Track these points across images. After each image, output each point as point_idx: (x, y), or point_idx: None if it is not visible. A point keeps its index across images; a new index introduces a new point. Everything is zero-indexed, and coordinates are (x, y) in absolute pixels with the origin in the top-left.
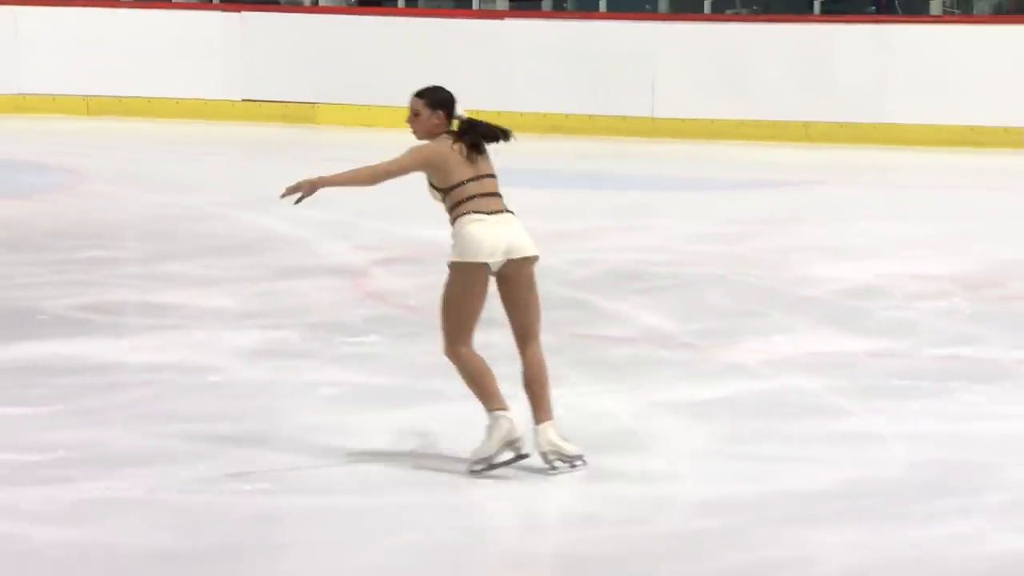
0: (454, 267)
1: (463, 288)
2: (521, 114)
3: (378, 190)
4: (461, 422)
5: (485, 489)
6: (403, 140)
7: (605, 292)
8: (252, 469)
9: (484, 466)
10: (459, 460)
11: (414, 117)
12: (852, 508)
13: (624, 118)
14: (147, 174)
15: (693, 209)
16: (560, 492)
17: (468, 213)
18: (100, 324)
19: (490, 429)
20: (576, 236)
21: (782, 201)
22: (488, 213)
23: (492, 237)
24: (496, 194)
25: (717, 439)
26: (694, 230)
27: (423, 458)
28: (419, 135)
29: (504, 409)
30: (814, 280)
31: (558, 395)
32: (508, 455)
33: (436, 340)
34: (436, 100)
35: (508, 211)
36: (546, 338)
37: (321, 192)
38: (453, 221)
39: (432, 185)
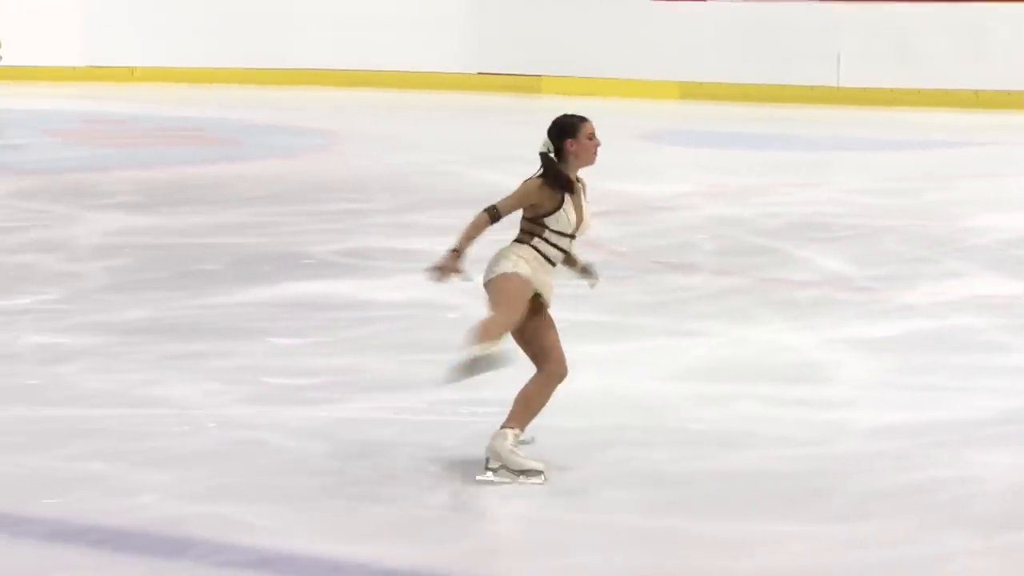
0: None
1: None
2: (720, 84)
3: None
4: (666, 352)
5: (690, 411)
6: (619, 107)
7: (791, 240)
8: (484, 395)
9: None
10: (665, 384)
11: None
12: (1014, 433)
13: (811, 87)
14: (393, 136)
15: (870, 167)
16: (752, 416)
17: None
18: (354, 266)
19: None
20: (766, 191)
21: (950, 159)
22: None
23: None
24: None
25: (891, 371)
26: (871, 185)
27: (633, 386)
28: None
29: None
30: (979, 229)
31: (750, 333)
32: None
33: (640, 285)
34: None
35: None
36: (739, 281)
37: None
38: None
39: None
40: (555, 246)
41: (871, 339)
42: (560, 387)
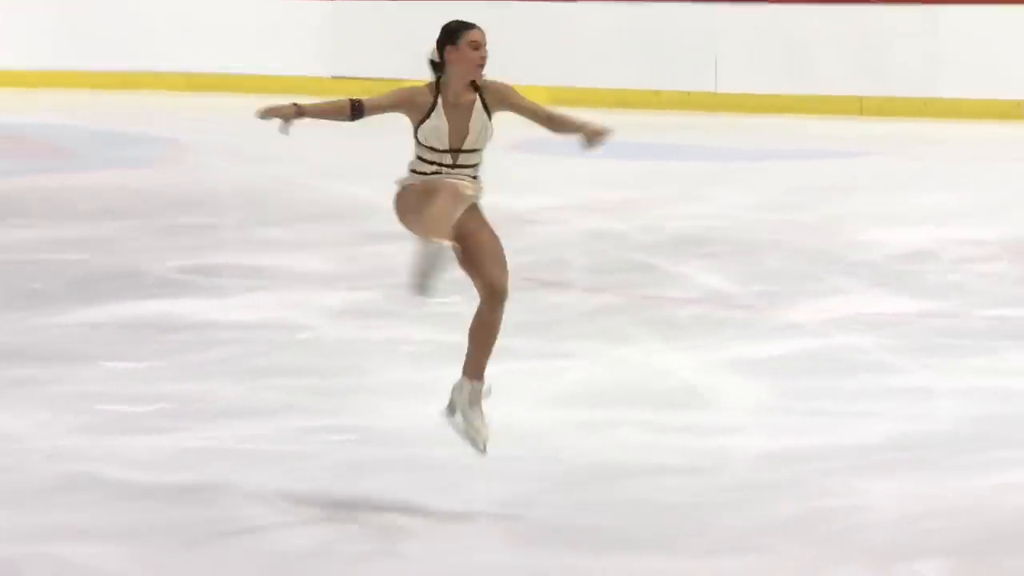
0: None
1: None
2: (592, 89)
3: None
4: (537, 376)
5: (563, 439)
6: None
7: (670, 256)
8: (340, 422)
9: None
10: (536, 411)
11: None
12: (903, 460)
13: (688, 93)
14: (244, 146)
15: (752, 179)
16: (629, 445)
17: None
18: (200, 285)
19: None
20: (643, 204)
21: (837, 171)
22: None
23: None
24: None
25: (776, 394)
26: (753, 199)
27: (501, 411)
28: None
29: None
30: (867, 245)
31: (626, 354)
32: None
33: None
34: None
35: None
36: (614, 299)
37: (404, 163)
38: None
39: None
40: (425, 160)
41: (754, 360)
42: (422, 413)
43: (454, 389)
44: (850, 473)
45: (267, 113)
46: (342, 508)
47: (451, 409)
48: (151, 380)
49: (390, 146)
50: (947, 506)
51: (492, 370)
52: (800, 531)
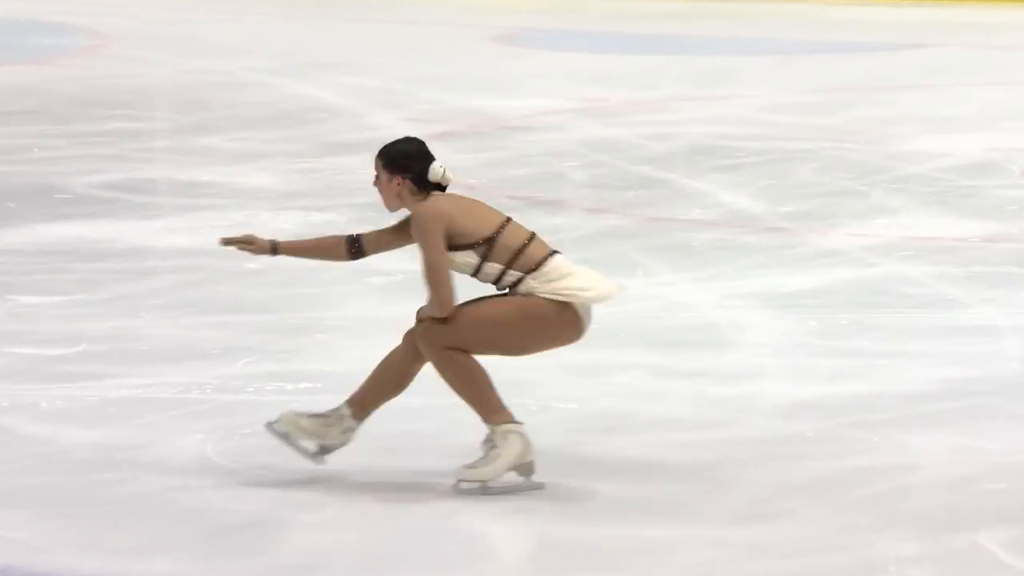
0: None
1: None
2: None
3: (428, 57)
4: None
5: (554, 390)
6: (467, 1)
7: (684, 169)
8: (295, 367)
9: (475, 486)
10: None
11: (376, 180)
12: (958, 410)
13: None
14: (179, 36)
15: (779, 76)
16: (635, 392)
17: (548, 256)
18: (128, 204)
19: (500, 447)
20: (652, 107)
21: (880, 65)
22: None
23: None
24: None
25: (807, 333)
26: (781, 100)
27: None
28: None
29: (517, 423)
30: (918, 155)
31: (633, 287)
32: (515, 478)
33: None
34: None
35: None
36: (619, 221)
37: (368, 58)
38: (528, 272)
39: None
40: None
41: (782, 293)
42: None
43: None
44: (894, 426)
45: (229, 242)
46: (296, 471)
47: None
48: (71, 318)
49: (349, 36)
50: (1009, 464)
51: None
52: (833, 494)
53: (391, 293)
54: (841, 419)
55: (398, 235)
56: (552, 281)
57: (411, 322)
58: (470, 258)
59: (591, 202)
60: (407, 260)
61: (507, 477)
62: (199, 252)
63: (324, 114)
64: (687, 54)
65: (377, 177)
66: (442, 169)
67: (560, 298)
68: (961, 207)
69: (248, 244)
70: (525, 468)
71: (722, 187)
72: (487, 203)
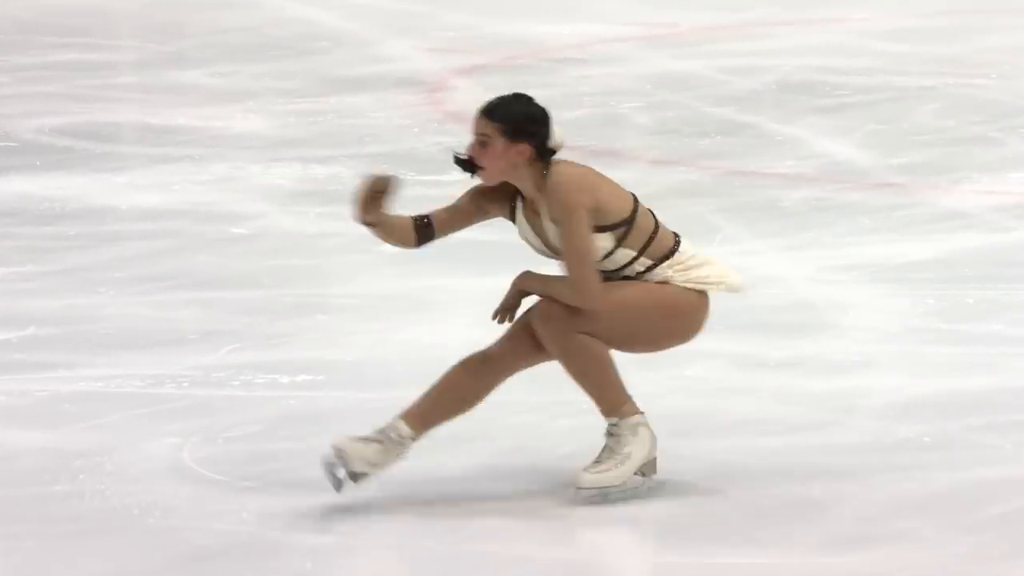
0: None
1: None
2: None
3: None
4: None
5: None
6: None
7: (774, 111)
8: (290, 356)
9: (596, 495)
10: None
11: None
12: None
13: None
14: None
15: None
16: (715, 388)
17: (677, 245)
18: (86, 153)
19: (627, 442)
20: (732, 34)
21: None
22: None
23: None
24: None
25: (927, 314)
26: (895, 24)
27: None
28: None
29: (641, 414)
30: None
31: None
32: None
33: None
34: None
35: None
36: (691, 175)
37: None
38: (660, 261)
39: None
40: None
41: (896, 265)
42: (412, 340)
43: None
44: None
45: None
46: (293, 484)
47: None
48: (14, 293)
49: None
50: None
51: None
52: (958, 513)
53: (408, 264)
54: (967, 420)
55: (474, 210)
56: (690, 269)
57: (429, 297)
58: (606, 242)
59: (658, 152)
60: None
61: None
62: (173, 213)
63: (326, 42)
64: None
65: (484, 143)
66: (561, 132)
67: (700, 287)
68: None
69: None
70: (648, 466)
71: (821, 133)
72: None
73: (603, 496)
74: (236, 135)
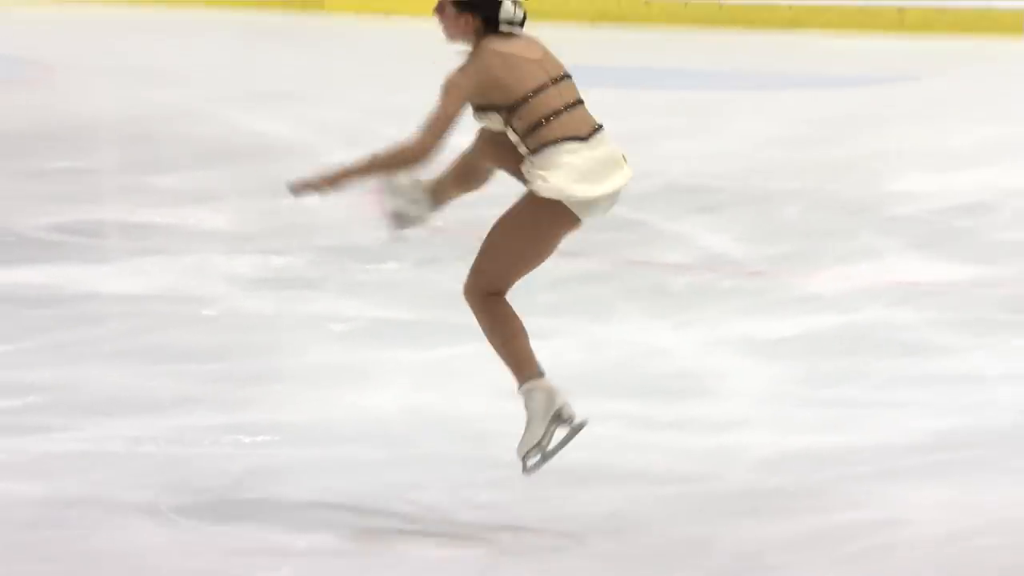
0: (544, 201)
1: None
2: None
3: (390, 84)
4: (493, 362)
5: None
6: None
7: (663, 210)
8: (252, 418)
9: (538, 458)
10: (489, 405)
11: (439, 9)
12: (950, 462)
13: (685, 4)
14: (127, 67)
15: (765, 110)
16: (612, 444)
17: (558, 142)
18: (74, 246)
19: (529, 407)
20: (627, 143)
21: (870, 100)
22: (584, 138)
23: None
24: (580, 101)
25: (792, 381)
26: (766, 135)
27: (449, 405)
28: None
29: (538, 377)
30: (908, 194)
31: (609, 333)
32: (561, 432)
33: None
34: None
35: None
36: (592, 264)
37: (327, 90)
38: (534, 151)
39: (483, 108)
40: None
41: (766, 340)
42: (355, 404)
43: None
44: (883, 479)
45: (298, 188)
46: (255, 529)
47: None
48: (14, 366)
49: (306, 67)
50: (1003, 520)
51: (437, 352)
52: (818, 551)
53: (353, 340)
54: (826, 472)
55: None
56: (542, 169)
57: (371, 370)
58: (495, 121)
59: (562, 245)
60: (372, 306)
61: (557, 434)
62: (149, 297)
63: (280, 150)
64: (666, 87)
65: (441, 7)
66: (512, 6)
67: (545, 192)
68: (951, 250)
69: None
70: (560, 416)
71: (702, 228)
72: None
73: (536, 460)
74: (203, 231)
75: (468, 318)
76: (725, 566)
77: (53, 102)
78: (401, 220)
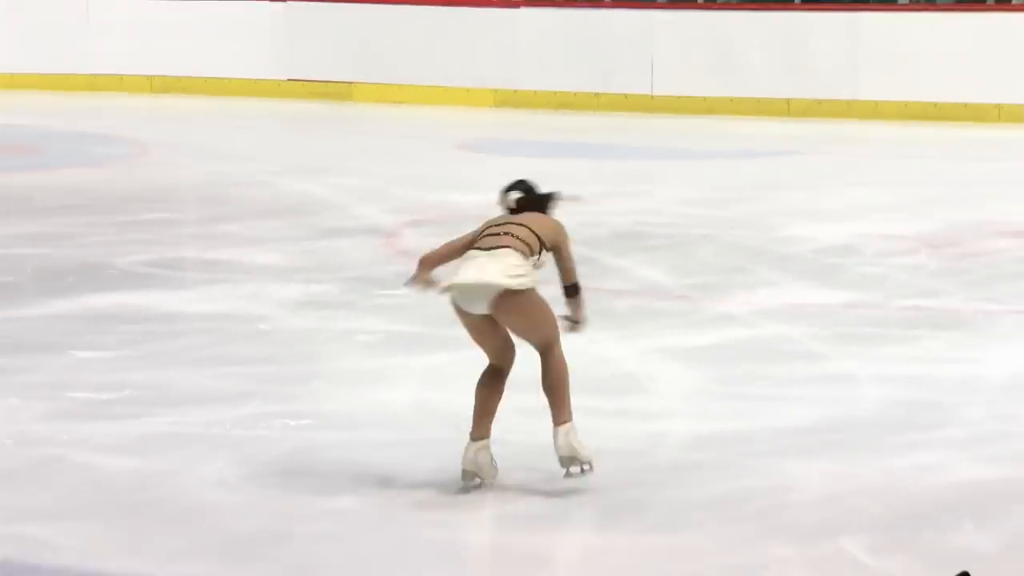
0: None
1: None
2: (535, 92)
3: (403, 161)
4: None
5: (501, 423)
6: (433, 115)
7: (608, 250)
8: (297, 408)
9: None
10: None
11: None
12: (827, 442)
13: (626, 96)
14: (203, 145)
15: (686, 177)
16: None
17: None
18: (162, 278)
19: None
20: (583, 201)
21: (766, 169)
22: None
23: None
24: (500, 234)
25: (708, 381)
26: (687, 195)
27: (449, 399)
28: None
29: (471, 440)
30: (795, 239)
31: (567, 343)
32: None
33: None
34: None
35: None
36: (557, 290)
37: (354, 162)
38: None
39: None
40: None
41: (687, 348)
42: (376, 399)
43: (556, 439)
44: (777, 455)
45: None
46: (300, 490)
47: (564, 465)
48: (116, 369)
49: (339, 145)
50: (868, 486)
51: (439, 358)
52: (728, 509)
53: (373, 348)
54: (733, 449)
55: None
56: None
57: (389, 372)
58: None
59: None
60: (389, 323)
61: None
62: (220, 316)
63: (319, 206)
64: (612, 159)
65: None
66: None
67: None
68: (828, 280)
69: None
70: (469, 472)
71: (639, 264)
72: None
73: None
74: (260, 265)
75: (461, 331)
76: (655, 521)
77: (147, 172)
78: (468, 475)
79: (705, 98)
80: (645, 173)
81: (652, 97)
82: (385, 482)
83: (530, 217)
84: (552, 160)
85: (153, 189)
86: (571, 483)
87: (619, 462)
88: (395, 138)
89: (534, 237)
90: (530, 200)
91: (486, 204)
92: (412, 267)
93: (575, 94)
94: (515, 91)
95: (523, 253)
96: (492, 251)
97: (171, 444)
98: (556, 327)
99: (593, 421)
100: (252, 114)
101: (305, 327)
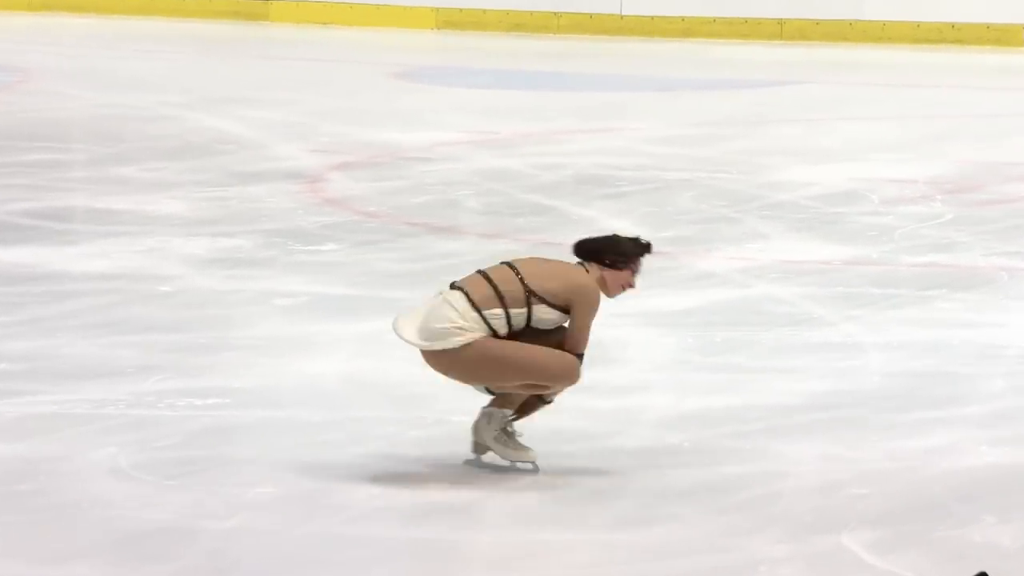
0: None
1: None
2: (483, 11)
3: (331, 92)
4: None
5: (450, 403)
6: (365, 38)
7: (572, 197)
8: (205, 383)
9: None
10: (422, 372)
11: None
12: (825, 421)
13: (591, 15)
14: (95, 72)
15: (661, 111)
16: None
17: None
18: (46, 230)
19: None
20: (540, 139)
21: (754, 102)
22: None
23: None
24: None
25: (688, 350)
26: (663, 132)
27: (384, 371)
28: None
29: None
30: (788, 184)
31: None
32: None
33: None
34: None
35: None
36: (511, 245)
37: (274, 93)
38: None
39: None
40: None
41: (662, 312)
42: (298, 371)
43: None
44: (766, 436)
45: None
46: (206, 481)
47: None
48: None
49: (254, 73)
50: (872, 471)
51: (372, 324)
52: (711, 500)
53: (295, 313)
54: (717, 430)
55: None
56: None
57: (313, 340)
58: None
59: (485, 228)
60: (312, 284)
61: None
62: (114, 276)
63: (232, 146)
64: (575, 90)
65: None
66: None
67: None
68: (826, 233)
69: None
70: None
71: (607, 214)
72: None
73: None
74: (162, 216)
75: (399, 293)
76: (624, 514)
77: (30, 104)
78: (479, 447)
79: (683, 18)
80: (613, 107)
81: (621, 17)
82: (308, 470)
83: (544, 265)
84: (504, 92)
85: (35, 125)
86: (528, 472)
87: (583, 445)
88: (320, 65)
89: (519, 288)
90: (583, 247)
91: (427, 144)
92: (340, 217)
93: (531, 13)
94: (460, 9)
95: (479, 303)
96: (444, 293)
97: (56, 426)
98: (520, 369)
99: (556, 397)
100: (152, 36)
101: (214, 288)
